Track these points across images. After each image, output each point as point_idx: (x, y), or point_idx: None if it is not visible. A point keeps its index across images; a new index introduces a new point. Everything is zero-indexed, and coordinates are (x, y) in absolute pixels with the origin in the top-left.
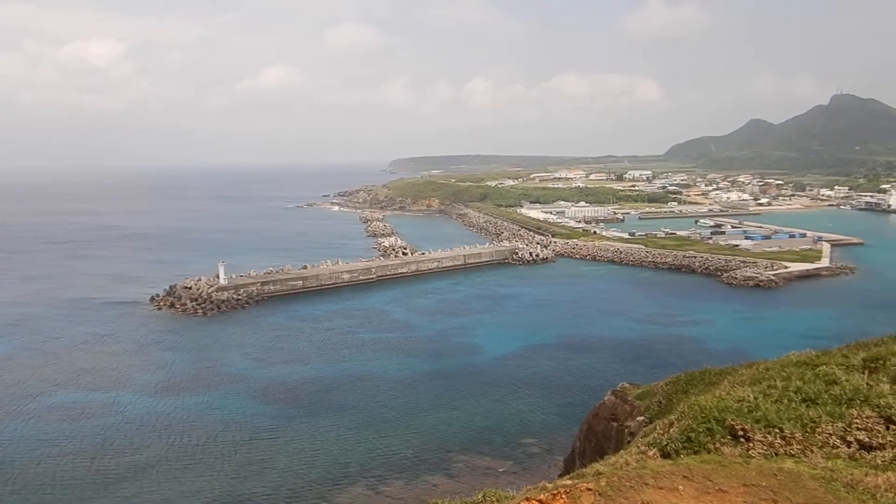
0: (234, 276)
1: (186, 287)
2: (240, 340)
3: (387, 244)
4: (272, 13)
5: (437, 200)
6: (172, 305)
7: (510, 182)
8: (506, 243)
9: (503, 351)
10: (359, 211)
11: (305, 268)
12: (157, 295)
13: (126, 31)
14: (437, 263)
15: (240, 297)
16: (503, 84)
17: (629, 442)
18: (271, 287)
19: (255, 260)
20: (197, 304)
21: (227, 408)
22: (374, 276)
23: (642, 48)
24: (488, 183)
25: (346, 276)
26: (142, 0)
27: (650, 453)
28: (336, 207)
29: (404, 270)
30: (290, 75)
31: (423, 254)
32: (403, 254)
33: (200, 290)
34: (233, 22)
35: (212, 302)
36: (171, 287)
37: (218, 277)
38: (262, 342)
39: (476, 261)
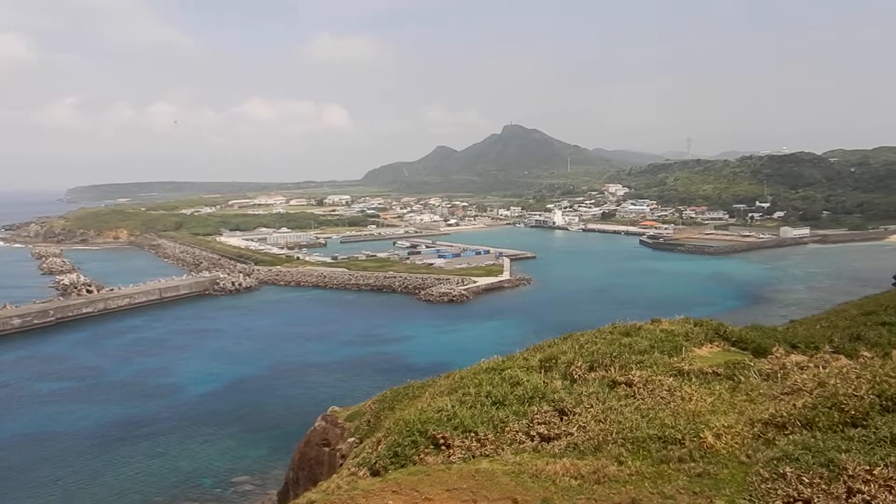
0: None
1: None
2: None
3: (67, 282)
4: None
5: (125, 231)
6: None
7: (207, 209)
8: (206, 273)
9: (208, 387)
10: (30, 246)
11: None
12: None
13: None
14: (129, 300)
15: None
16: (189, 108)
17: (341, 465)
18: None
19: None
20: None
21: None
22: (52, 318)
23: (323, 77)
24: (183, 211)
25: (17, 322)
26: None
27: (361, 473)
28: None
29: (90, 310)
30: None
31: (113, 290)
32: (88, 291)
33: None
34: None
35: None
36: None
37: None
38: None
39: (174, 294)
